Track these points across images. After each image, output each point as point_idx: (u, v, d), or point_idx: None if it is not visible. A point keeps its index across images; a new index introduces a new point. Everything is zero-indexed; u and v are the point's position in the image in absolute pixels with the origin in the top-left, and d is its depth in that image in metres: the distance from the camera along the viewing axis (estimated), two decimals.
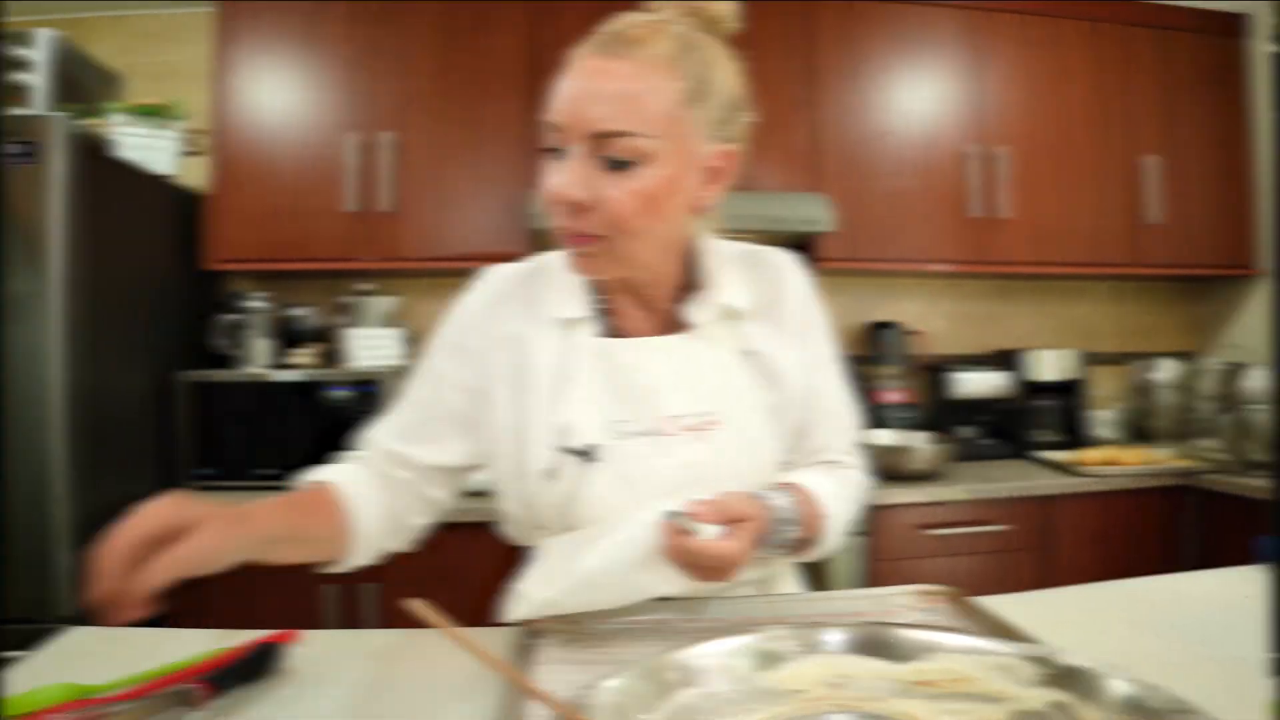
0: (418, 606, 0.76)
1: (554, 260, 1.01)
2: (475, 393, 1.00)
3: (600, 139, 0.84)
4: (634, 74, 0.84)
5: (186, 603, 2.14)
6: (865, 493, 1.09)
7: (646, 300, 1.00)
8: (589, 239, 0.87)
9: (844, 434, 1.09)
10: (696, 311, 0.99)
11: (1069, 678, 0.66)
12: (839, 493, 1.01)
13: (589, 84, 0.84)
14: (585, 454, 0.92)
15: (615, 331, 0.99)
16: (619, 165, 0.84)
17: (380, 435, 1.03)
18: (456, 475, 1.07)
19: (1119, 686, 0.64)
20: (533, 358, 0.97)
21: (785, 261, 1.09)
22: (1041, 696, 0.65)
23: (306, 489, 1.01)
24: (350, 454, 1.04)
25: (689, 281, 1.01)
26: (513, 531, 1.10)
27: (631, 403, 0.94)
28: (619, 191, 0.84)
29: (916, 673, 0.69)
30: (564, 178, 0.84)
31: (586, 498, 0.93)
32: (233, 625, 1.04)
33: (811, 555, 1.01)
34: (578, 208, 0.85)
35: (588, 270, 0.92)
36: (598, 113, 0.83)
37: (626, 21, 0.89)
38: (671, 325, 1.00)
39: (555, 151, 0.87)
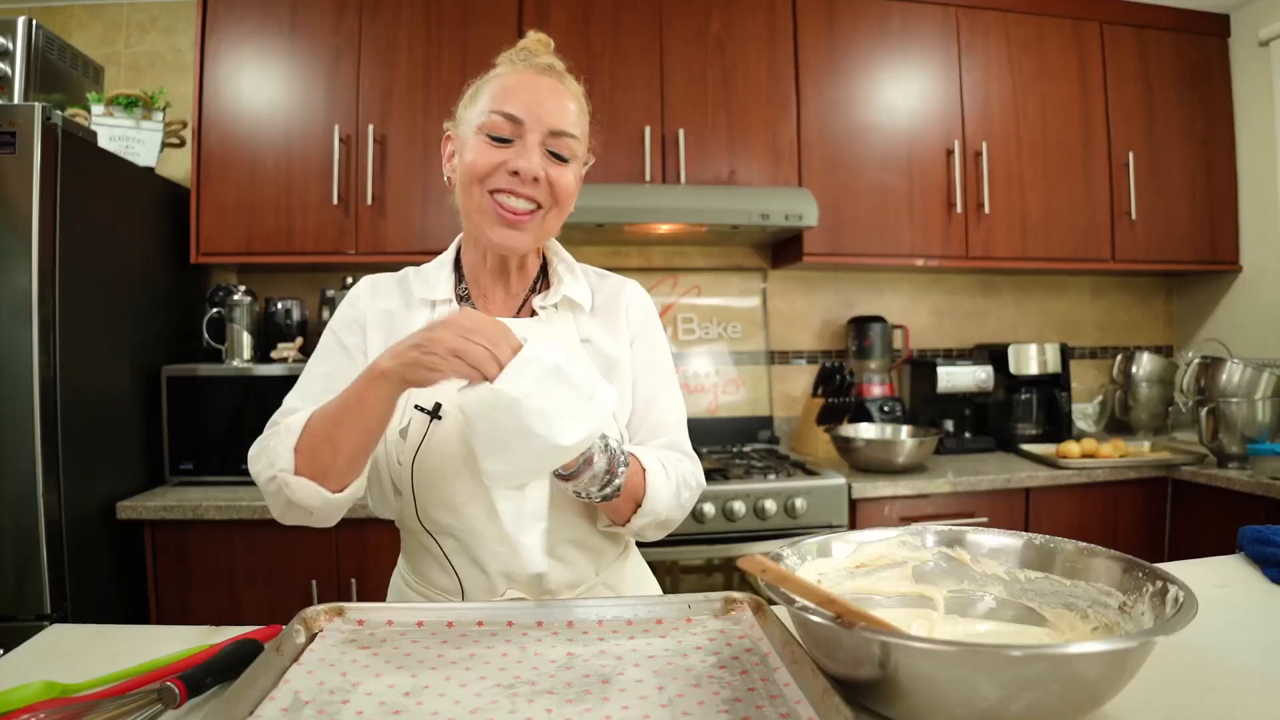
0: (752, 562, 0.76)
1: (423, 267, 1.21)
2: (353, 359, 1.14)
3: (553, 136, 1.07)
4: (571, 96, 1.11)
5: (171, 599, 2.16)
6: (694, 484, 1.17)
7: (510, 285, 1.18)
8: (532, 211, 1.08)
9: (675, 430, 1.21)
10: (544, 300, 1.17)
11: (949, 537, 0.96)
12: (665, 466, 1.12)
13: (545, 94, 1.08)
14: (431, 412, 1.07)
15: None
16: (559, 158, 1.08)
17: (305, 406, 1.07)
18: None
19: (986, 539, 0.95)
20: (399, 331, 1.11)
21: (628, 286, 1.26)
22: (930, 552, 0.96)
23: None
24: (273, 429, 1.06)
25: (542, 277, 1.22)
26: (375, 505, 1.20)
27: None
28: (564, 174, 1.09)
29: (855, 560, 0.96)
30: (532, 158, 1.06)
31: (428, 450, 1.07)
32: (217, 621, 1.04)
33: (625, 513, 1.09)
34: (534, 181, 1.06)
35: (515, 238, 1.09)
36: (556, 115, 1.07)
37: (551, 57, 1.14)
38: (522, 312, 1.18)
39: (500, 140, 1.06)
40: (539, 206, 1.08)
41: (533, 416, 0.87)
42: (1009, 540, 0.94)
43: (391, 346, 0.93)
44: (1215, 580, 1.10)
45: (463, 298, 1.17)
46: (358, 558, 2.19)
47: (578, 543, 1.14)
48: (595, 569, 1.17)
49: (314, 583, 2.17)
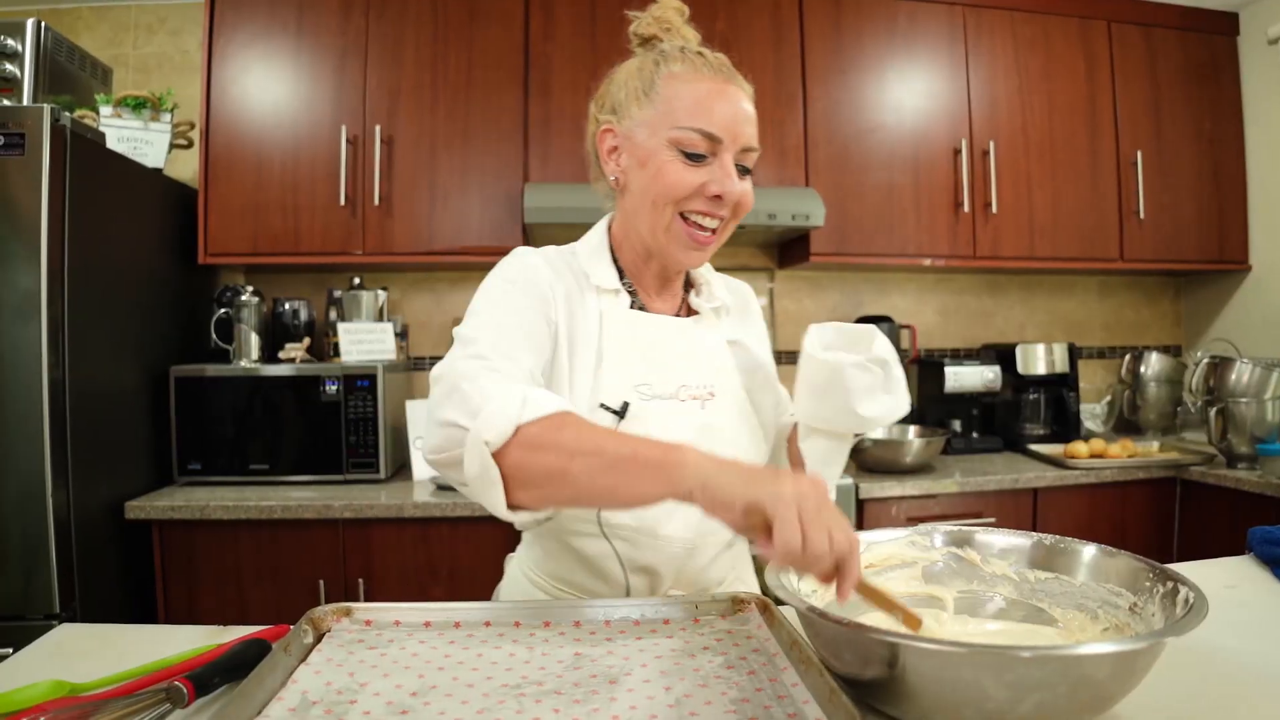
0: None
1: (574, 248, 1.15)
2: (553, 332, 1.06)
3: (745, 152, 1.05)
4: (750, 100, 1.06)
5: (179, 599, 2.16)
6: None
7: (671, 286, 1.17)
8: (715, 231, 1.06)
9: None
10: (701, 302, 1.18)
11: (959, 538, 0.97)
12: None
13: (738, 107, 1.04)
14: (618, 412, 1.03)
15: (640, 308, 1.14)
16: (745, 172, 1.06)
17: (515, 352, 0.96)
18: None
19: (996, 540, 0.95)
20: (579, 320, 1.08)
21: (747, 286, 1.31)
22: (940, 552, 0.97)
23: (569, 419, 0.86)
24: (493, 364, 0.92)
25: (690, 279, 1.22)
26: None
27: (654, 370, 1.08)
28: (748, 189, 1.06)
29: (863, 561, 0.91)
30: (734, 182, 1.03)
31: None
32: (225, 621, 1.04)
33: None
34: (722, 201, 1.03)
35: (700, 255, 1.08)
36: (748, 132, 1.04)
37: (716, 54, 1.07)
38: (680, 310, 1.18)
39: (695, 158, 1.02)
40: (721, 221, 1.07)
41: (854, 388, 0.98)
42: (1018, 540, 0.94)
43: (726, 466, 0.75)
44: (1224, 581, 1.09)
45: (631, 291, 1.13)
46: (364, 558, 2.19)
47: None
48: (732, 562, 1.19)
49: (321, 582, 2.18)
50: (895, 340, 3.00)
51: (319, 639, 0.89)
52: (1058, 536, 0.92)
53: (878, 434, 2.68)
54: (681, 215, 1.04)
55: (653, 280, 1.15)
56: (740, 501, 0.71)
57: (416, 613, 0.96)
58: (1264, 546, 1.16)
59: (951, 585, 0.94)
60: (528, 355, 0.97)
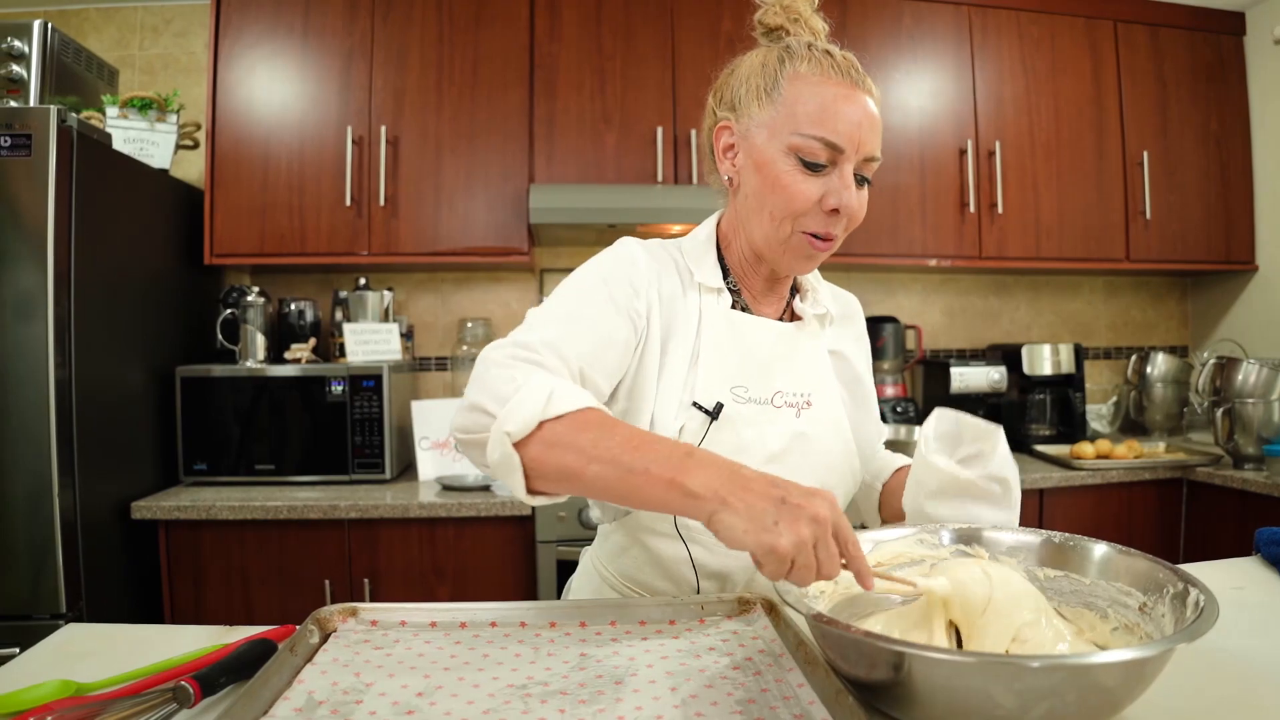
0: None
1: (681, 243, 1.13)
2: (639, 334, 1.03)
3: (866, 162, 1.00)
4: (876, 105, 1.01)
5: (185, 599, 2.17)
6: None
7: (778, 289, 1.13)
8: (832, 239, 1.01)
9: (879, 455, 1.27)
10: (808, 307, 1.14)
11: (967, 535, 0.96)
12: None
13: (863, 114, 0.98)
14: (712, 413, 1.01)
15: (743, 309, 1.11)
16: (864, 181, 1.01)
17: (568, 350, 0.94)
18: None
19: (1005, 537, 0.95)
20: (678, 318, 1.05)
21: (852, 296, 1.27)
22: (948, 550, 0.96)
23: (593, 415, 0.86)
24: (535, 356, 0.91)
25: (797, 283, 1.18)
26: (595, 505, 1.15)
27: (751, 373, 1.06)
28: (865, 199, 1.02)
29: (872, 560, 0.89)
30: (855, 195, 0.98)
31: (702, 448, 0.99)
32: (231, 621, 1.04)
33: None
34: (838, 215, 0.98)
35: (811, 264, 1.05)
36: (872, 141, 0.99)
37: (844, 53, 1.02)
38: (784, 314, 1.15)
39: (815, 166, 0.97)
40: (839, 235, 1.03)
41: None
42: (1027, 538, 0.93)
43: (743, 483, 0.73)
44: (1232, 583, 1.09)
45: (734, 291, 1.10)
46: (370, 557, 2.20)
47: None
48: None
49: (327, 582, 2.18)
50: (901, 341, 3.00)
51: (325, 639, 0.89)
52: (1067, 534, 0.91)
53: (885, 435, 2.67)
54: (804, 230, 1.00)
55: (759, 282, 1.11)
56: (738, 547, 0.72)
57: (423, 613, 0.96)
58: (1272, 548, 1.16)
59: None
60: (583, 355, 0.95)
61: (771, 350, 1.08)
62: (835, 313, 1.17)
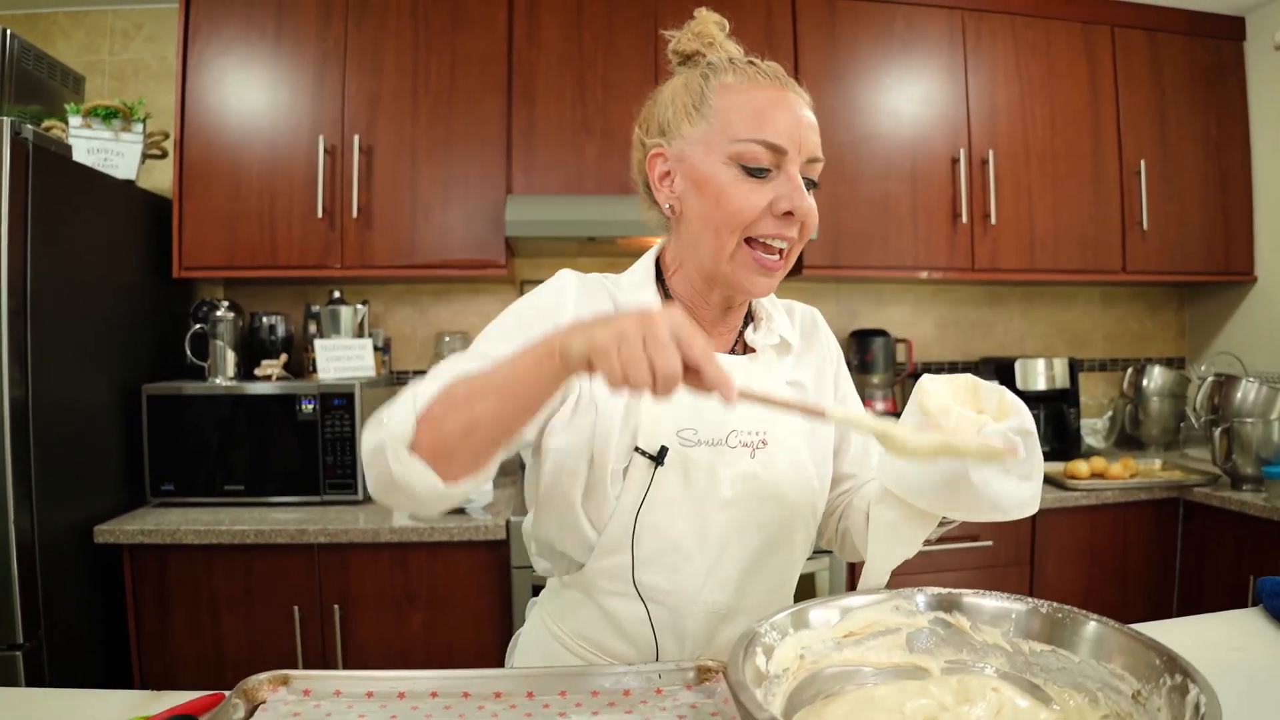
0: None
1: (617, 279, 1.08)
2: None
3: (810, 163, 0.96)
4: (810, 108, 0.97)
5: (152, 626, 2.10)
6: None
7: (729, 319, 1.07)
8: (786, 251, 0.97)
9: (873, 454, 1.16)
10: (760, 338, 1.07)
11: (946, 601, 0.89)
12: None
13: (799, 114, 0.94)
14: (656, 458, 0.95)
15: None
16: (812, 185, 0.97)
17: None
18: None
19: (987, 604, 0.88)
20: None
21: (817, 314, 1.19)
22: (926, 618, 0.89)
23: None
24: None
25: (751, 311, 1.11)
26: (543, 559, 1.09)
27: (701, 413, 0.99)
28: (815, 207, 0.96)
29: (843, 629, 0.87)
30: (805, 197, 0.93)
31: (652, 500, 0.96)
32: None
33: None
34: (792, 219, 0.94)
35: (768, 282, 0.98)
36: (812, 140, 0.95)
37: (768, 62, 0.99)
38: (736, 346, 1.08)
39: (759, 172, 0.93)
40: (789, 243, 0.97)
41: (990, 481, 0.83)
42: (1011, 605, 0.86)
43: (582, 322, 0.76)
44: (1232, 642, 1.02)
45: None
46: (341, 583, 2.13)
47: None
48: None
49: (296, 609, 2.11)
50: (891, 355, 2.93)
51: (252, 712, 0.83)
52: (1056, 604, 0.84)
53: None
54: (747, 240, 0.95)
55: (710, 311, 1.04)
56: (572, 356, 0.73)
57: (358, 682, 0.89)
58: (1276, 600, 1.09)
59: (939, 655, 0.87)
60: None
61: None
62: (794, 340, 1.10)
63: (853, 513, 1.10)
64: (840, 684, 0.83)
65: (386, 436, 0.81)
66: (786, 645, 0.82)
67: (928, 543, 0.97)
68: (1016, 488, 0.83)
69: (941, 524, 0.94)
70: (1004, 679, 0.83)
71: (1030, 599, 0.86)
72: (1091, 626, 0.80)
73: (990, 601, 0.88)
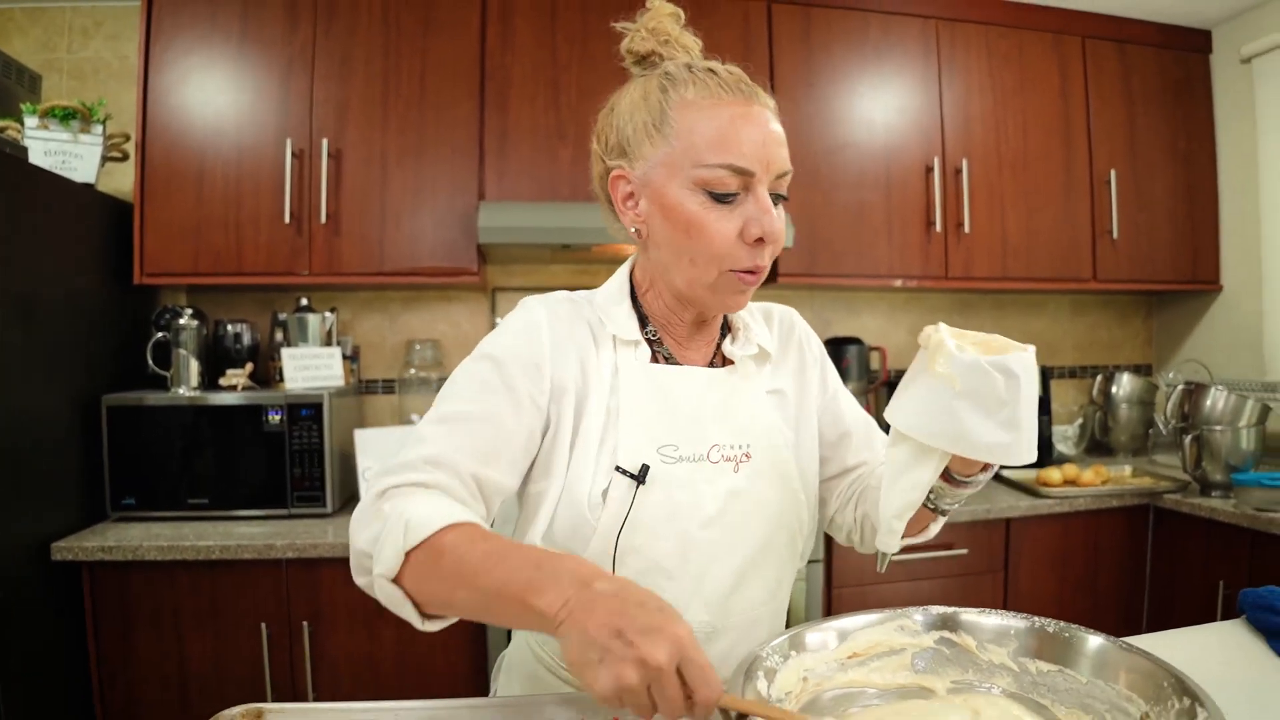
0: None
1: (592, 296, 1.05)
2: (544, 413, 0.96)
3: (779, 179, 0.92)
4: (776, 118, 0.94)
5: (114, 646, 2.02)
6: None
7: (706, 332, 1.05)
8: (760, 270, 0.93)
9: (878, 441, 1.15)
10: (738, 349, 1.05)
11: (947, 620, 0.90)
12: None
13: (766, 130, 0.91)
14: (637, 477, 0.93)
15: (666, 359, 1.03)
16: (780, 199, 0.93)
17: (457, 457, 0.88)
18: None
19: (989, 622, 0.88)
20: (591, 378, 0.98)
21: (794, 315, 1.16)
22: (931, 637, 0.89)
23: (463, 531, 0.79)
24: (415, 477, 0.86)
25: (727, 321, 1.09)
26: None
27: (681, 429, 0.98)
28: (782, 224, 0.93)
29: (847, 650, 0.87)
30: (774, 220, 0.90)
31: (634, 520, 0.94)
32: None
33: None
34: (763, 244, 0.91)
35: (744, 299, 0.97)
36: (780, 155, 0.92)
37: (729, 67, 0.96)
38: (713, 359, 1.06)
39: (726, 197, 0.90)
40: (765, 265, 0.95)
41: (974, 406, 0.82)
42: (1014, 623, 0.86)
43: (584, 590, 0.67)
44: (1220, 656, 1.02)
45: (654, 340, 1.02)
46: (311, 599, 2.07)
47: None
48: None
49: (264, 625, 2.05)
50: (865, 363, 2.93)
51: None
52: (1059, 622, 0.83)
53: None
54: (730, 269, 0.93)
55: (684, 327, 1.03)
56: (602, 627, 0.64)
57: (334, 715, 0.86)
58: (1259, 613, 1.09)
59: (944, 675, 0.86)
60: (477, 456, 0.89)
61: (702, 401, 1.00)
62: (773, 347, 1.08)
63: (870, 494, 1.08)
64: (844, 704, 0.82)
65: (376, 562, 0.78)
66: (789, 668, 0.81)
67: (908, 550, 0.97)
68: (993, 431, 0.81)
69: (941, 511, 0.99)
70: (1011, 699, 0.82)
71: (1030, 616, 0.86)
72: (1095, 644, 0.80)
73: (988, 619, 0.87)
